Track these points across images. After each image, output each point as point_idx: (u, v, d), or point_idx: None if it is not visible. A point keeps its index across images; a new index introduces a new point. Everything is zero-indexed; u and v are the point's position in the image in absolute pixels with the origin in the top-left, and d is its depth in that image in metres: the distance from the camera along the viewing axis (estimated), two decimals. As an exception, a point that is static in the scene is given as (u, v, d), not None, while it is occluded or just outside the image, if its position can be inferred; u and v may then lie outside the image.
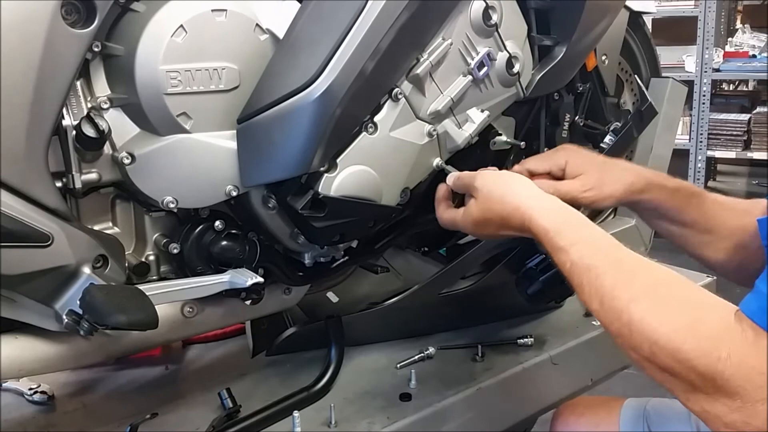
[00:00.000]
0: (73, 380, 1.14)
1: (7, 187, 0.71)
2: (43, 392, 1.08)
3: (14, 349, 0.82)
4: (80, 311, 0.76)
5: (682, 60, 4.02)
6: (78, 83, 0.79)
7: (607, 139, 1.19)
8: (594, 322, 1.28)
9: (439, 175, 1.00)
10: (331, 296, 1.23)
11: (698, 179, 3.93)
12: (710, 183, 4.45)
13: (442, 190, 0.96)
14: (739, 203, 0.98)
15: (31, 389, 1.08)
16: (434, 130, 0.94)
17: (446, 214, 0.94)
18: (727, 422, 0.59)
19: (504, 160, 1.16)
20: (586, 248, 0.74)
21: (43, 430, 1.00)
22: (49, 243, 0.74)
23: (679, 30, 3.97)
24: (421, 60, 0.90)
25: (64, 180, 0.79)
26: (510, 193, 0.83)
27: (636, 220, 1.50)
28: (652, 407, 1.06)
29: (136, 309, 0.72)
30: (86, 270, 0.77)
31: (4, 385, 1.11)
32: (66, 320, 0.77)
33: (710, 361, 0.59)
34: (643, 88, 1.22)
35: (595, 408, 1.11)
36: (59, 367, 0.87)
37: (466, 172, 0.92)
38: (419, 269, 1.24)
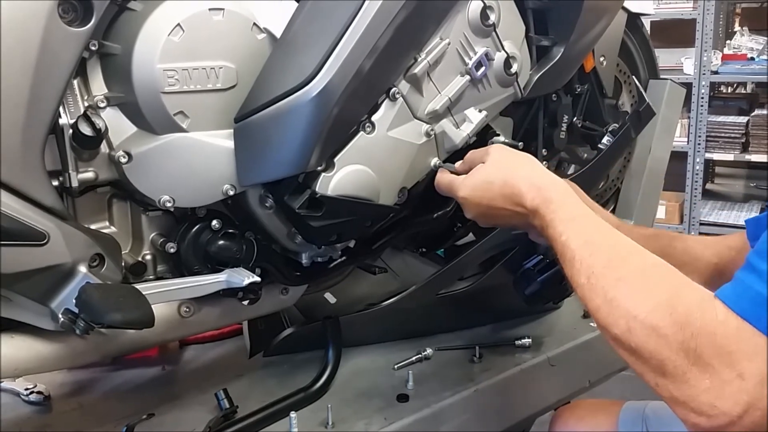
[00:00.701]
0: (70, 380, 1.13)
1: (3, 186, 0.71)
2: (39, 392, 1.07)
3: (10, 348, 0.82)
4: (76, 310, 0.76)
5: (680, 62, 4.02)
6: (75, 82, 0.79)
7: (605, 140, 1.19)
8: (591, 324, 1.28)
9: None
10: (329, 297, 1.23)
11: (696, 181, 3.93)
12: (708, 185, 4.45)
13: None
14: (718, 238, 0.99)
15: (27, 389, 1.08)
16: (432, 129, 0.94)
17: (445, 177, 0.92)
18: (695, 407, 0.59)
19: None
20: (586, 224, 0.74)
21: (39, 430, 1.00)
22: (45, 242, 0.74)
23: (677, 32, 3.97)
24: (419, 59, 0.90)
25: (61, 179, 0.78)
26: (521, 164, 0.83)
27: (634, 219, 1.50)
28: (651, 410, 1.06)
29: (132, 308, 0.72)
30: (82, 269, 0.77)
31: (0, 385, 1.11)
32: (62, 319, 0.77)
33: (684, 336, 0.59)
34: (641, 89, 1.22)
35: (594, 411, 1.12)
36: (55, 366, 0.87)
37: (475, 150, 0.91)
38: (417, 270, 1.23)
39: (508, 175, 0.82)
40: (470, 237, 1.29)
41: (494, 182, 0.83)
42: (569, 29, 1.04)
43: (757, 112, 4.12)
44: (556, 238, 0.75)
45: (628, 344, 0.63)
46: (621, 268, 0.68)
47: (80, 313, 0.74)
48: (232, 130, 0.84)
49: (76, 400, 1.08)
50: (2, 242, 0.71)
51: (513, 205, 0.82)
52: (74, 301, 0.75)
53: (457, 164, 0.93)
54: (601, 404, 1.14)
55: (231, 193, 0.85)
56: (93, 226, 0.83)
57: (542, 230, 0.79)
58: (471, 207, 0.87)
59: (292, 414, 0.94)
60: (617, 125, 1.24)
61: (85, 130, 0.76)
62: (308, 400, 1.02)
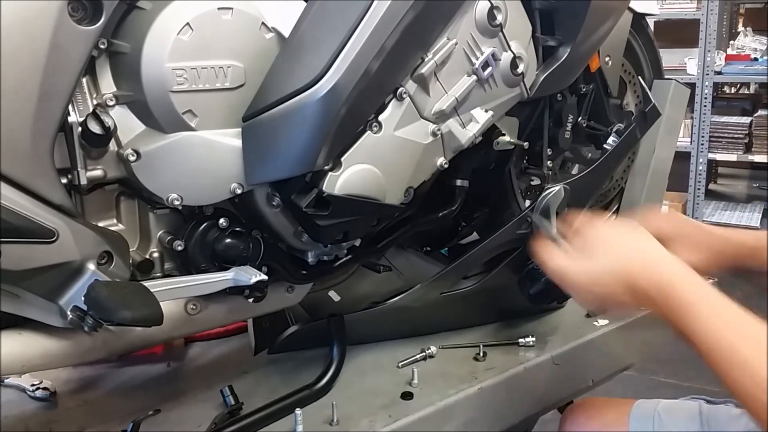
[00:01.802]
0: (75, 377, 1.14)
1: (13, 183, 0.71)
2: (45, 388, 1.08)
3: (18, 344, 0.82)
4: (85, 307, 0.76)
5: (683, 62, 4.02)
6: (84, 80, 0.79)
7: (611, 140, 1.20)
8: (595, 323, 1.28)
9: (441, 174, 1.00)
10: (333, 295, 1.23)
11: (699, 182, 3.93)
12: (711, 186, 4.45)
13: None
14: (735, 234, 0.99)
15: (33, 385, 1.08)
16: (438, 129, 0.94)
17: (556, 259, 0.82)
18: None
19: (506, 160, 1.16)
20: (729, 311, 0.68)
21: (45, 427, 1.00)
22: (54, 239, 0.74)
23: (681, 33, 3.97)
24: (426, 59, 0.90)
25: (69, 176, 0.79)
26: (639, 244, 0.77)
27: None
28: (663, 408, 1.06)
29: (141, 305, 0.73)
30: (91, 266, 0.77)
31: (6, 381, 1.11)
32: (70, 316, 0.77)
33: None
34: (647, 90, 1.23)
35: (605, 409, 1.11)
36: (63, 363, 0.87)
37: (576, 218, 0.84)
38: (421, 269, 1.24)
39: (630, 261, 0.75)
40: (474, 236, 1.29)
41: (614, 268, 0.76)
42: (576, 29, 1.04)
43: (760, 112, 4.12)
44: (695, 329, 0.68)
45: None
46: (754, 339, 0.63)
47: (89, 311, 0.75)
48: (239, 129, 0.84)
49: (81, 397, 1.09)
50: (11, 239, 0.71)
51: (639, 290, 0.74)
52: (83, 298, 0.76)
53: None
54: (611, 402, 1.14)
55: (238, 191, 0.85)
56: (101, 224, 0.84)
57: (673, 321, 0.71)
58: (591, 295, 0.79)
59: (297, 411, 0.95)
60: (622, 125, 1.24)
61: (94, 128, 0.77)
62: (313, 397, 1.03)
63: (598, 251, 0.78)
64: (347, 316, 1.15)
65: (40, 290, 0.77)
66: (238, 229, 0.89)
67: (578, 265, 0.79)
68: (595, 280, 0.77)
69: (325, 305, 1.19)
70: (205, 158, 0.83)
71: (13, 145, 0.71)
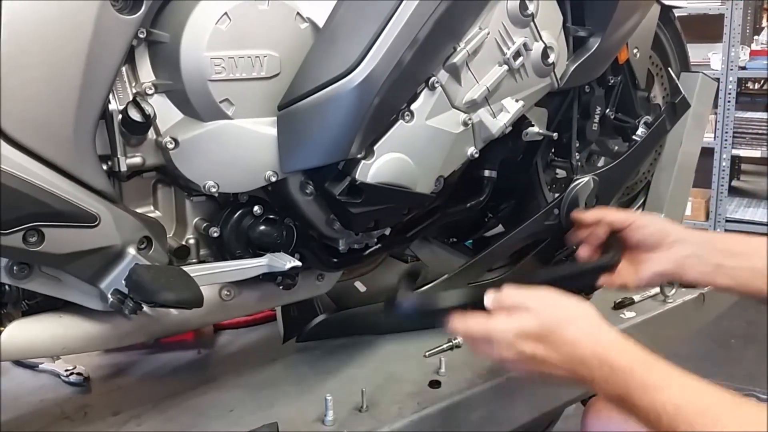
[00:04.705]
0: (108, 363, 1.16)
1: (57, 169, 0.73)
2: (78, 374, 1.10)
3: (58, 327, 0.84)
4: (125, 291, 0.78)
5: (707, 57, 3.97)
6: (123, 69, 0.81)
7: (640, 131, 1.20)
8: (621, 315, 1.28)
9: (470, 165, 1.01)
10: (359, 286, 1.24)
11: (723, 178, 3.89)
12: (734, 182, 4.40)
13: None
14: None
15: (67, 371, 1.11)
16: (469, 119, 0.95)
17: (473, 321, 0.78)
18: None
19: (534, 151, 1.17)
20: (688, 390, 0.65)
21: (79, 411, 1.02)
22: (96, 224, 0.76)
23: (705, 28, 3.93)
24: (458, 49, 0.91)
25: (110, 163, 0.80)
26: (583, 317, 0.74)
27: (664, 214, 1.49)
28: None
29: (183, 288, 0.74)
30: (131, 251, 0.79)
31: (40, 366, 1.14)
32: (111, 299, 0.79)
33: None
34: (677, 81, 1.22)
35: None
36: (102, 346, 0.89)
37: (513, 291, 0.79)
38: (446, 260, 1.24)
39: (568, 332, 0.72)
40: (500, 228, 1.30)
41: (548, 338, 0.72)
42: (606, 20, 1.04)
43: (785, 108, 4.06)
44: (656, 409, 0.65)
45: None
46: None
47: (130, 293, 0.77)
48: (275, 118, 0.86)
49: (114, 382, 1.11)
50: (56, 223, 0.73)
51: (571, 365, 0.72)
52: (124, 281, 0.78)
53: (490, 304, 0.79)
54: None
55: (273, 179, 0.86)
56: (139, 210, 0.85)
57: (621, 399, 0.68)
58: (511, 358, 0.75)
59: (328, 396, 0.96)
60: (650, 117, 1.24)
61: (135, 116, 0.78)
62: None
63: (542, 319, 0.74)
64: (373, 306, 1.16)
65: (81, 274, 0.79)
66: (271, 216, 0.91)
67: (514, 325, 0.74)
68: (534, 349, 0.73)
69: (351, 296, 1.20)
70: (241, 146, 0.84)
71: (58, 132, 0.73)
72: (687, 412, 0.63)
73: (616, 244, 1.01)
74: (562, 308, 0.75)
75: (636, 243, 0.99)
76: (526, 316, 0.74)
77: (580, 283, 1.13)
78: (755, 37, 4.19)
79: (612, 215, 1.02)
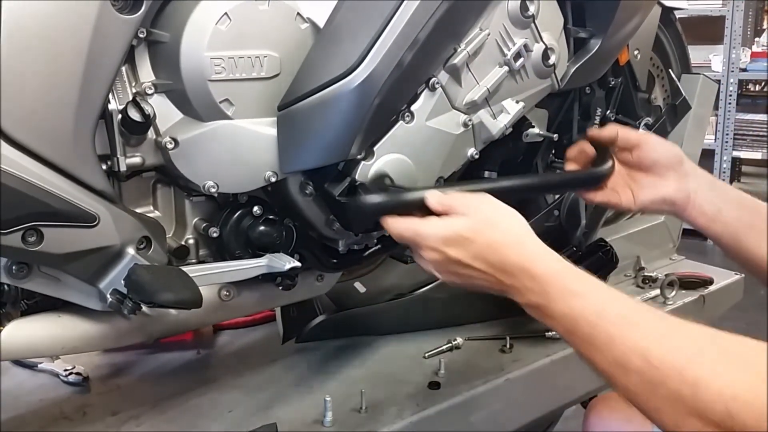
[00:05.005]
0: (107, 363, 1.16)
1: (56, 168, 0.73)
2: (77, 373, 1.10)
3: (57, 327, 0.84)
4: (124, 291, 0.78)
5: (708, 59, 3.98)
6: (123, 69, 0.81)
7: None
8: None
9: (470, 165, 1.00)
10: (359, 286, 1.24)
11: (723, 179, 3.89)
12: (735, 184, 4.40)
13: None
14: None
15: (66, 370, 1.11)
16: (470, 120, 0.95)
17: (405, 221, 0.77)
18: None
19: (535, 152, 1.16)
20: (610, 297, 0.64)
21: (78, 411, 1.02)
22: (95, 223, 0.76)
23: (706, 29, 3.93)
24: (459, 50, 0.90)
25: (109, 163, 0.80)
26: (511, 225, 0.73)
27: (665, 216, 1.50)
28: None
29: (182, 288, 0.74)
30: (130, 251, 0.79)
31: (39, 366, 1.14)
32: (110, 299, 0.79)
33: None
34: (677, 83, 1.22)
35: (628, 403, 1.11)
36: (100, 346, 0.89)
37: (458, 194, 0.78)
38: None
39: (496, 236, 0.71)
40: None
41: (477, 240, 0.71)
42: (607, 22, 1.04)
43: (785, 110, 4.06)
44: (575, 317, 0.64)
45: (731, 430, 0.53)
46: (685, 340, 0.58)
47: (129, 293, 0.76)
48: (275, 118, 0.85)
49: (114, 382, 1.11)
50: (55, 223, 0.73)
51: (495, 270, 0.70)
52: (123, 281, 0.78)
53: (432, 200, 0.77)
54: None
55: (273, 179, 0.86)
56: (138, 210, 0.85)
57: (540, 308, 0.68)
58: (438, 262, 0.74)
59: (327, 397, 0.96)
60: (650, 119, 1.24)
61: (135, 115, 0.78)
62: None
63: (473, 225, 0.72)
64: (373, 307, 1.16)
65: (80, 274, 0.78)
66: (271, 217, 0.91)
67: (444, 231, 0.73)
68: (462, 253, 0.71)
69: (350, 296, 1.20)
70: (240, 146, 0.84)
71: (57, 131, 0.73)
72: (608, 317, 0.62)
73: (609, 159, 0.95)
74: (492, 215, 0.73)
75: (648, 163, 0.93)
76: (456, 220, 0.73)
77: (567, 190, 1.06)
78: (756, 38, 4.19)
79: (627, 131, 0.97)
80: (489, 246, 0.71)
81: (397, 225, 0.78)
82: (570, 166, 0.99)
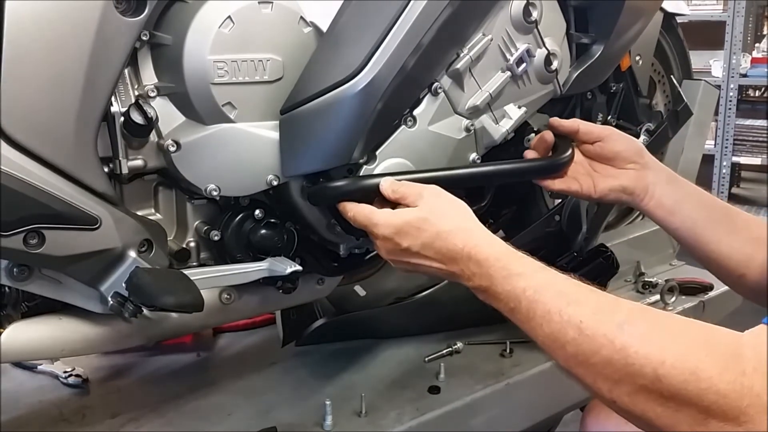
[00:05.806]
0: (107, 365, 1.16)
1: (58, 171, 0.73)
2: (77, 375, 1.10)
3: (58, 329, 0.84)
4: (125, 293, 0.78)
5: (708, 65, 3.98)
6: (126, 71, 0.81)
7: (642, 139, 1.19)
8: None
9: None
10: (359, 290, 1.24)
11: (722, 185, 3.90)
12: (734, 190, 4.40)
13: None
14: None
15: (65, 372, 1.10)
16: (472, 125, 0.95)
17: (361, 207, 0.81)
18: None
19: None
20: (549, 276, 0.67)
21: (78, 413, 1.02)
22: (97, 226, 0.76)
23: (706, 34, 3.93)
24: (462, 55, 0.91)
25: (111, 165, 0.80)
26: (458, 215, 0.76)
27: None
28: None
29: (183, 291, 0.74)
30: (132, 254, 0.79)
31: (39, 367, 1.14)
32: (111, 302, 0.79)
33: (734, 376, 0.52)
34: (679, 89, 1.22)
35: None
36: (101, 348, 0.89)
37: (411, 183, 0.81)
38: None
39: (443, 225, 0.74)
40: (501, 234, 1.29)
41: (425, 230, 0.74)
42: (609, 27, 1.04)
43: (785, 116, 4.06)
44: (517, 295, 0.66)
45: (656, 395, 0.56)
46: (617, 312, 0.60)
47: (130, 296, 0.76)
48: (277, 122, 0.86)
49: (113, 384, 1.11)
50: (57, 225, 0.73)
51: (442, 258, 0.74)
52: (124, 284, 0.77)
53: (385, 186, 0.80)
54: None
55: (275, 183, 0.86)
56: (139, 213, 0.85)
57: (486, 290, 0.70)
58: (389, 250, 0.78)
59: (327, 401, 0.96)
60: (652, 125, 1.24)
61: (137, 118, 0.78)
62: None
63: (423, 215, 0.75)
64: (374, 311, 1.16)
65: (82, 276, 0.78)
66: (273, 220, 0.91)
67: (396, 219, 0.76)
68: (403, 232, 0.75)
69: (351, 300, 1.20)
70: (243, 150, 0.84)
71: (59, 133, 0.73)
72: (546, 294, 0.64)
73: (569, 148, 0.96)
74: (440, 205, 0.77)
75: (610, 154, 0.95)
76: (406, 212, 0.77)
77: (524, 178, 1.02)
78: (756, 44, 4.20)
79: (590, 125, 0.99)
80: (437, 235, 0.74)
81: (353, 210, 0.82)
82: (530, 155, 1.00)
